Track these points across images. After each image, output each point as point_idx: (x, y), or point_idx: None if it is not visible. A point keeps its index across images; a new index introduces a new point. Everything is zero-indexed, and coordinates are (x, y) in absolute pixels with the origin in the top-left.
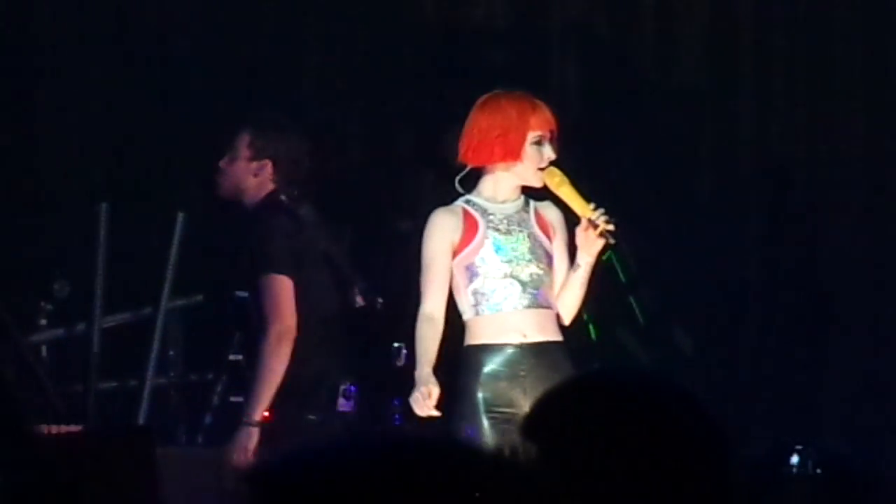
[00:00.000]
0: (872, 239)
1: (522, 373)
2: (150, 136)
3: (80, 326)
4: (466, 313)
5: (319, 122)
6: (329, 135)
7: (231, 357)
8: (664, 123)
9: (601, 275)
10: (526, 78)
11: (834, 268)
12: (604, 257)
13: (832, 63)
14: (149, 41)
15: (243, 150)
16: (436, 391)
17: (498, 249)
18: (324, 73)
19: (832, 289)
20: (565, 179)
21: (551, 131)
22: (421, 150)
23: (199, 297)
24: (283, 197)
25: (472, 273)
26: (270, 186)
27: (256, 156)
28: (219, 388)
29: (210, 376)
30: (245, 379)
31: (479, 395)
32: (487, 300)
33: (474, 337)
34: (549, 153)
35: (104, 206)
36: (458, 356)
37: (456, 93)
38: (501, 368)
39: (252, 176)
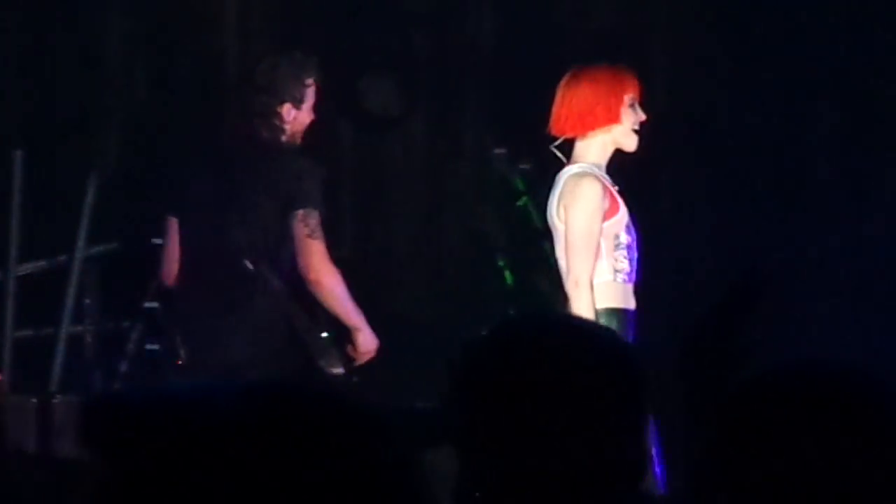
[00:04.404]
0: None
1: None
2: (68, 82)
3: None
4: (604, 276)
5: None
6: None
7: (147, 305)
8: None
9: (516, 221)
10: (442, 23)
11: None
12: (519, 203)
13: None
14: None
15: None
16: None
17: (630, 224)
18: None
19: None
20: None
21: (640, 94)
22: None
23: (116, 245)
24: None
25: (617, 242)
26: None
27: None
28: (134, 336)
29: (126, 324)
30: (161, 326)
31: None
32: (621, 270)
33: (608, 300)
34: (641, 114)
35: (19, 152)
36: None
37: (371, 39)
38: (623, 331)
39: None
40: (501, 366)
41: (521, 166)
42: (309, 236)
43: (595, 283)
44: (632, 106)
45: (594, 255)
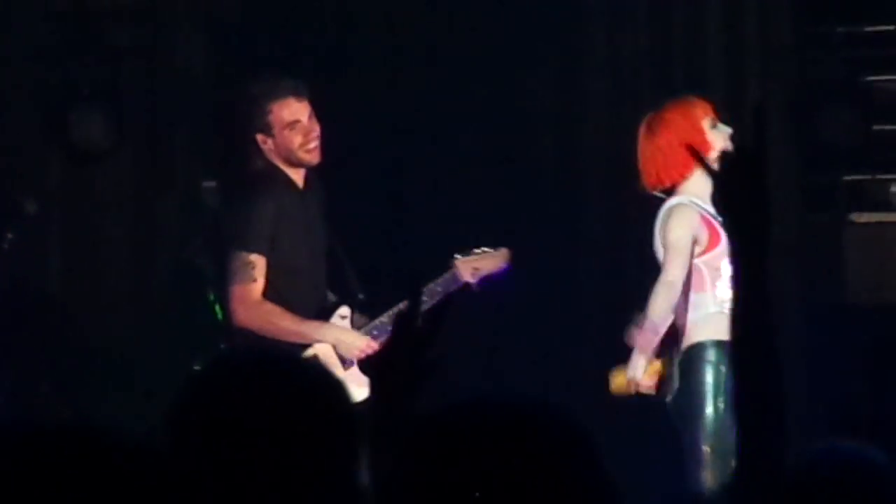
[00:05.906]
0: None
1: (724, 368)
2: None
3: None
4: (709, 308)
5: None
6: None
7: None
8: None
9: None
10: (151, 56)
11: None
12: None
13: None
14: None
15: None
16: None
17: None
18: None
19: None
20: None
21: (715, 111)
22: (47, 130)
23: None
24: None
25: (718, 275)
26: None
27: None
28: None
29: None
30: None
31: (713, 383)
32: (724, 302)
33: (715, 332)
34: (727, 128)
35: None
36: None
37: (80, 71)
38: (725, 362)
39: None
40: (214, 401)
41: None
42: (228, 280)
43: (701, 315)
44: (714, 127)
45: (683, 264)
